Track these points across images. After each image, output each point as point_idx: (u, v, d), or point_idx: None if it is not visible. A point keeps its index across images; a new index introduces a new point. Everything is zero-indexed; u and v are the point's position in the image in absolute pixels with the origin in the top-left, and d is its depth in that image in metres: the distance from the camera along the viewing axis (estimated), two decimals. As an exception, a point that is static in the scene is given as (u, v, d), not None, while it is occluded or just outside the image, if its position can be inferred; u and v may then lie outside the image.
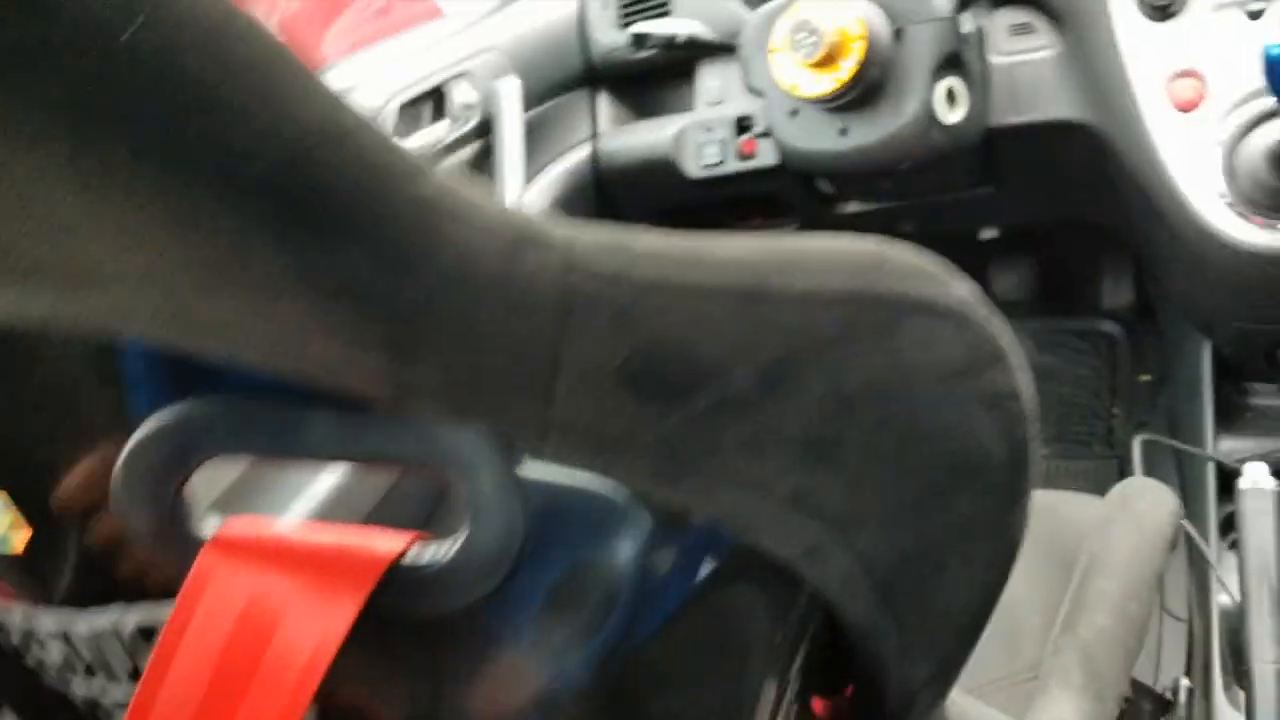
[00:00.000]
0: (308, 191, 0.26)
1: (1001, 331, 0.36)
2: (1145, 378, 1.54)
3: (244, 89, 0.25)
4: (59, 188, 0.26)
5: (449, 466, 0.32)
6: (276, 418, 0.33)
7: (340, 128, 0.27)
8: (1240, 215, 0.96)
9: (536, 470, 0.32)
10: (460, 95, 1.11)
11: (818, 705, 0.46)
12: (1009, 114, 1.09)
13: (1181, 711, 0.99)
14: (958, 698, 0.51)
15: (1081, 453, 1.53)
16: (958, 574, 0.40)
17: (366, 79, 1.08)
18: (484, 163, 1.13)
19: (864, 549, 0.35)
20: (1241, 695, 0.89)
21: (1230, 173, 0.96)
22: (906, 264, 0.34)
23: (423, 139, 1.06)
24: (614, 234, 0.31)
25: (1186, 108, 0.98)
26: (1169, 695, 1.01)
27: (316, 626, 0.32)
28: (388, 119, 1.02)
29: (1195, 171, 0.98)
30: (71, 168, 0.25)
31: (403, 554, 0.33)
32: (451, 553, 0.33)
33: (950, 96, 1.05)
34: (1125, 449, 1.45)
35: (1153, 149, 1.00)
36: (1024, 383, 0.37)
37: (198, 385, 0.34)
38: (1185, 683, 1.02)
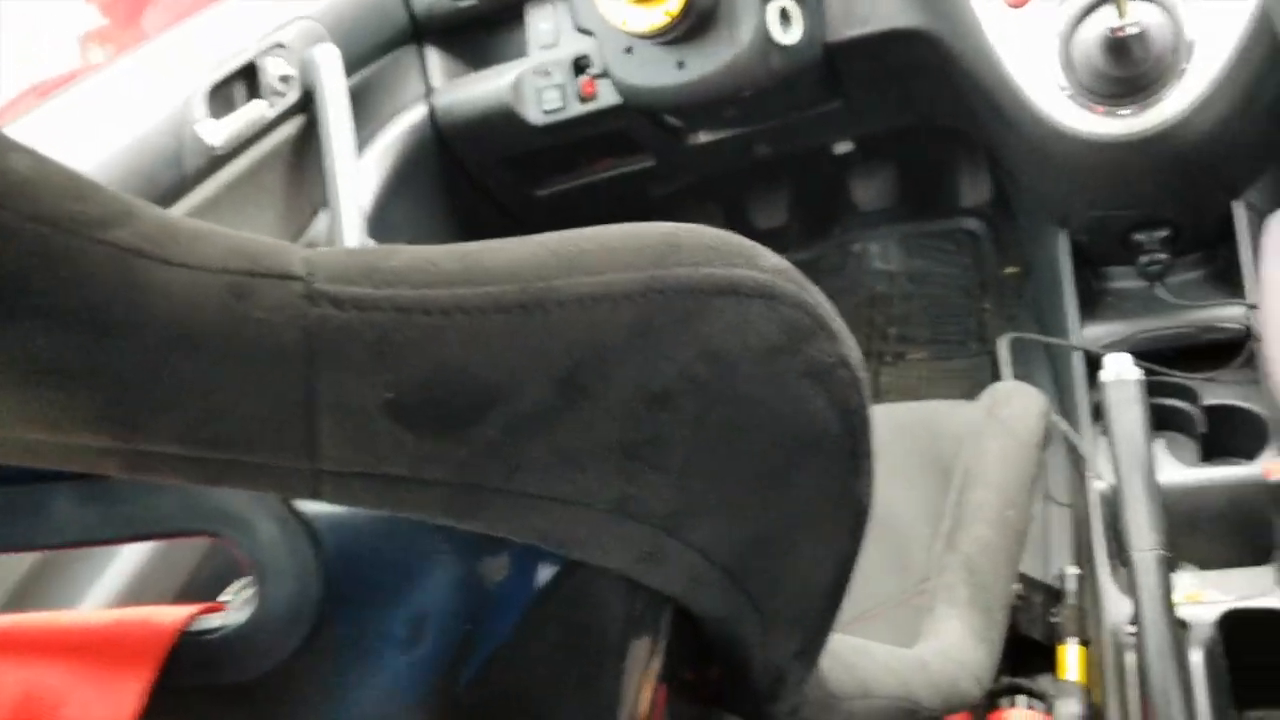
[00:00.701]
0: None
1: (817, 299, 0.34)
2: (1011, 270, 1.56)
3: None
4: None
5: (221, 528, 0.29)
6: (10, 504, 0.30)
7: (6, 181, 0.22)
8: (1081, 106, 0.97)
9: (329, 508, 0.29)
10: (274, 69, 1.04)
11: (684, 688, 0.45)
12: (845, 28, 1.07)
13: (1071, 599, 1.02)
14: (839, 641, 0.50)
15: (956, 351, 1.55)
16: (809, 550, 0.38)
17: (174, 61, 1.00)
18: (309, 137, 1.07)
19: (704, 543, 0.34)
20: (1126, 575, 0.92)
21: (1067, 64, 0.96)
22: (701, 246, 0.31)
23: (239, 120, 0.99)
24: (363, 253, 0.27)
25: (1018, 3, 0.98)
26: (1058, 584, 1.04)
27: (103, 710, 0.30)
28: (196, 103, 0.95)
29: (1032, 66, 0.98)
30: None
31: (187, 625, 0.31)
32: (243, 617, 0.30)
33: (784, 17, 1.02)
34: (996, 346, 1.48)
35: (989, 48, 1.00)
36: (849, 348, 0.35)
37: None
38: (1072, 570, 1.05)
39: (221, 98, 0.99)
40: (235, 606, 0.31)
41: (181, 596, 0.77)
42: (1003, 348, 1.17)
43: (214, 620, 0.31)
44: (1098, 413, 1.04)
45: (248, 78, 1.02)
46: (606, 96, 1.14)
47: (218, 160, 0.96)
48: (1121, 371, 0.91)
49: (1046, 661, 0.99)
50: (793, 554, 0.37)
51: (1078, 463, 1.10)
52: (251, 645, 0.30)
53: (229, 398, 0.25)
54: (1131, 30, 0.88)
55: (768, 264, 0.32)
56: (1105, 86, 0.95)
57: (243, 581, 0.31)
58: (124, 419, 0.25)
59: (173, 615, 0.31)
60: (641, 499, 0.31)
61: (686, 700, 0.43)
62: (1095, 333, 1.13)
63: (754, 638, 0.38)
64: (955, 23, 1.02)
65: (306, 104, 1.07)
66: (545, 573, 0.34)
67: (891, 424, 0.84)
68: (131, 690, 0.29)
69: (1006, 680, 0.96)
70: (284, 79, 1.04)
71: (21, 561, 0.71)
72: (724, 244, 0.31)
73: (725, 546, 0.34)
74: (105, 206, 0.24)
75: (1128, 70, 0.93)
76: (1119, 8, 0.87)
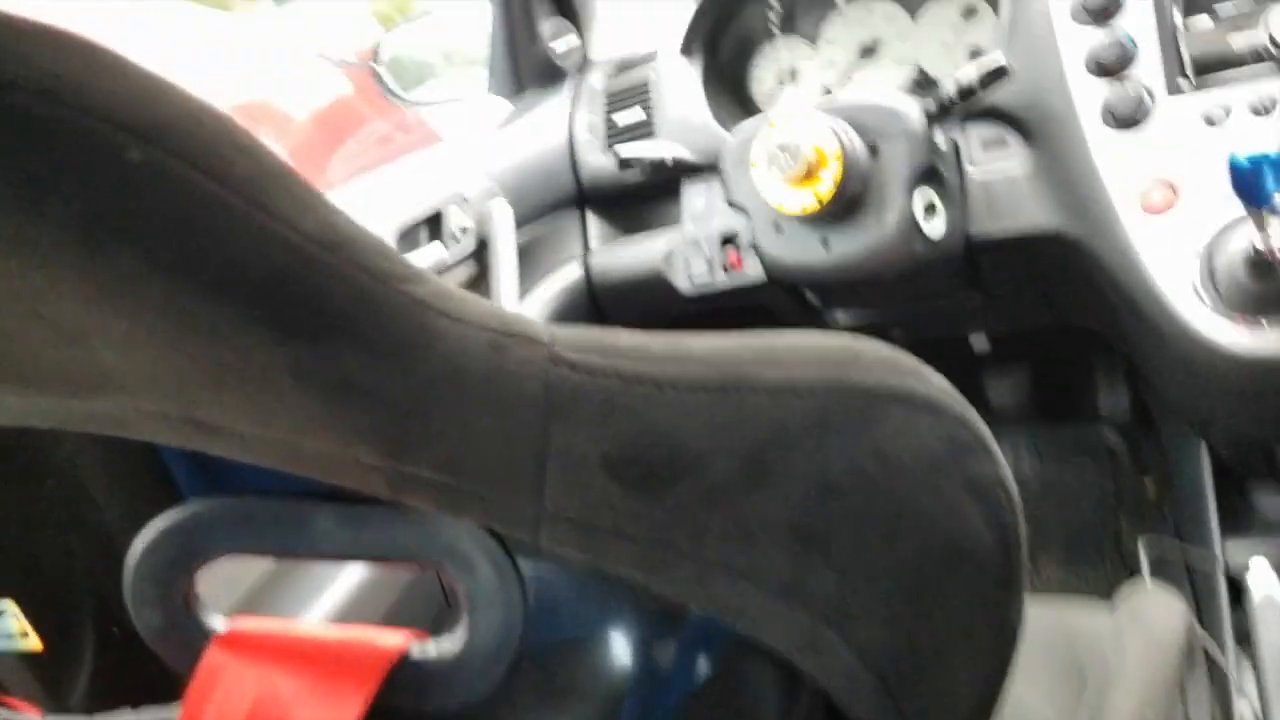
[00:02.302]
0: (307, 295, 0.28)
1: (978, 422, 0.36)
2: (1149, 483, 1.52)
3: (245, 200, 0.27)
4: (69, 298, 0.27)
5: (447, 562, 0.33)
6: (278, 517, 0.34)
7: (338, 235, 0.28)
8: (1224, 319, 0.96)
9: (532, 565, 0.33)
10: (455, 219, 1.14)
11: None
12: (987, 224, 1.11)
13: None
14: None
15: (1091, 562, 1.50)
16: (959, 663, 0.39)
17: (366, 205, 1.11)
18: (479, 283, 1.15)
19: (863, 640, 0.35)
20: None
21: (1209, 276, 0.97)
22: (878, 357, 0.35)
23: (421, 260, 1.08)
24: (593, 331, 0.32)
25: (1158, 210, 1.00)
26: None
27: None
28: (388, 241, 1.05)
29: (1174, 275, 0.99)
30: (81, 280, 0.26)
31: (406, 651, 0.34)
32: (454, 649, 0.33)
33: (929, 208, 1.07)
34: (1135, 559, 1.43)
35: (1131, 255, 1.01)
36: (1005, 472, 0.37)
37: (221, 479, 0.35)
38: None
39: (408, 239, 1.09)
40: (446, 638, 0.34)
41: (387, 620, 0.82)
42: (1142, 549, 1.14)
43: (428, 648, 0.34)
44: (1240, 632, 1.00)
45: (432, 224, 1.12)
46: (751, 271, 1.20)
47: None
48: (1271, 592, 0.87)
49: None
50: (943, 669, 0.39)
51: (1220, 682, 1.05)
52: (460, 675, 0.34)
53: (480, 433, 0.30)
54: (1277, 249, 0.89)
55: (936, 382, 0.35)
56: (1247, 301, 0.95)
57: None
58: (397, 438, 0.29)
59: (393, 638, 0.34)
60: (807, 585, 0.34)
61: None
62: (1237, 549, 1.09)
63: None
64: (1096, 226, 1.04)
65: (479, 252, 1.16)
66: (707, 663, 0.36)
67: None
68: (352, 706, 0.33)
69: None
70: (463, 229, 1.14)
71: (259, 568, 0.76)
72: (899, 358, 0.35)
73: (880, 650, 0.36)
74: (405, 267, 0.30)
75: (1271, 287, 0.93)
76: (1259, 224, 0.88)
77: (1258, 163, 0.81)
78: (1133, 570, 1.42)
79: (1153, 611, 0.81)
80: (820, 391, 0.33)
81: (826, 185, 1.02)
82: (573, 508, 0.31)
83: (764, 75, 1.39)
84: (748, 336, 0.34)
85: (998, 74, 1.01)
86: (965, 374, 1.63)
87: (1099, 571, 1.49)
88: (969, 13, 1.26)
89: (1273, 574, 0.91)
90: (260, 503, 0.34)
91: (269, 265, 0.27)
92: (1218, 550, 1.10)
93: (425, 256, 1.09)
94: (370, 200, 1.11)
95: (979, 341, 1.48)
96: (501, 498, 0.30)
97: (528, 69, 1.42)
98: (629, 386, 0.31)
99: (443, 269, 1.10)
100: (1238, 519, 1.13)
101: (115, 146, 0.25)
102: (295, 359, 0.28)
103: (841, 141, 1.02)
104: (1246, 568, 1.03)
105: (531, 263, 1.26)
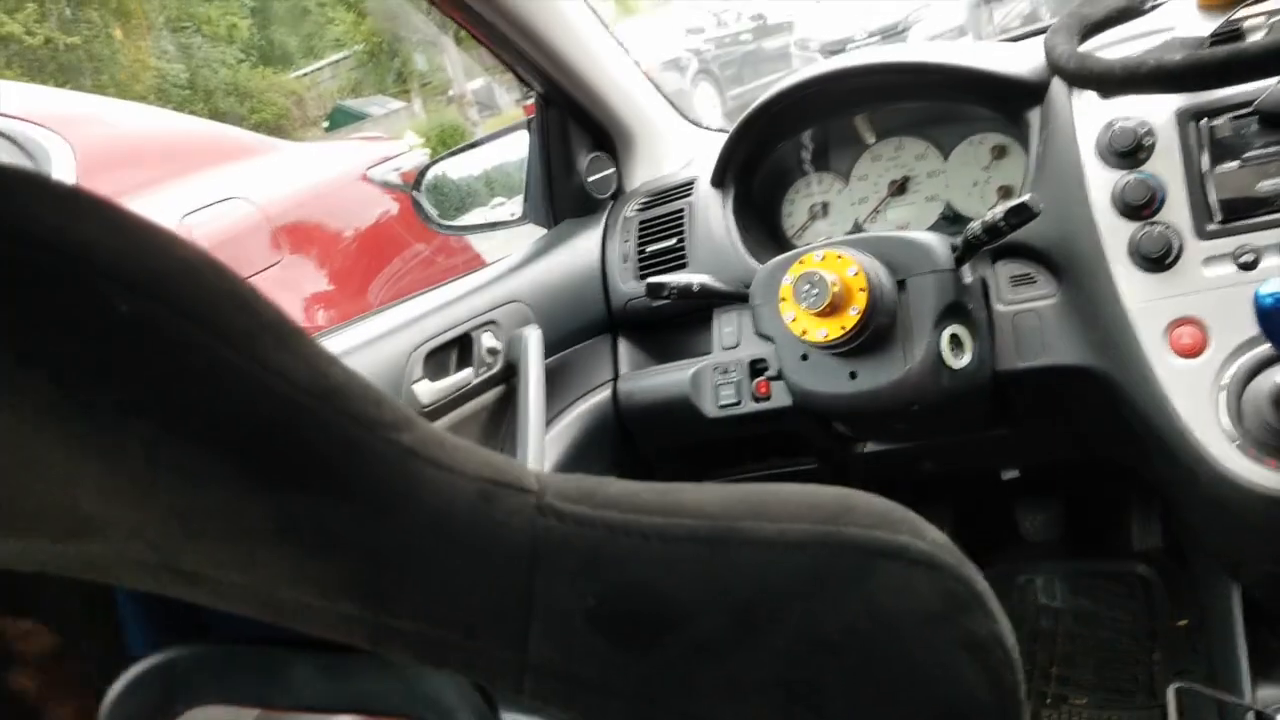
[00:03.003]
0: (293, 446, 0.28)
1: (976, 577, 0.36)
2: (1183, 622, 1.48)
3: (237, 351, 0.27)
4: (52, 444, 0.27)
5: (430, 715, 0.32)
6: (257, 666, 0.34)
7: (328, 384, 0.29)
8: (1253, 459, 0.96)
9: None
10: (486, 342, 1.17)
11: None
12: (1015, 359, 1.11)
13: None
14: None
15: (1123, 701, 1.46)
16: None
17: (398, 328, 1.14)
18: (507, 406, 1.17)
19: None
20: None
21: (1238, 417, 0.96)
22: (872, 511, 0.34)
23: (448, 383, 1.10)
24: (584, 479, 0.32)
25: (1189, 353, 1.00)
26: None
27: None
28: (415, 365, 1.07)
29: (1203, 416, 0.98)
30: (63, 426, 0.27)
31: None
32: None
33: (955, 342, 1.08)
34: (1166, 697, 1.38)
35: (1160, 395, 1.01)
36: (1004, 629, 0.36)
37: (191, 628, 0.34)
38: None
39: (436, 362, 1.11)
40: None
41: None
42: (1171, 697, 1.11)
43: None
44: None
45: (462, 347, 1.14)
46: (779, 398, 1.21)
47: (424, 416, 1.06)
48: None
49: None
50: None
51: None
52: None
53: (465, 583, 0.30)
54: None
55: (931, 536, 0.35)
56: (1277, 441, 0.95)
57: None
58: (381, 589, 0.29)
59: None
60: None
61: None
62: (1269, 694, 1.06)
63: None
64: (1126, 366, 1.04)
65: (508, 376, 1.18)
66: None
67: None
68: None
69: None
70: (491, 351, 1.16)
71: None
72: (893, 512, 0.35)
73: None
74: (394, 413, 0.30)
75: (1301, 427, 0.92)
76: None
77: None
78: (1163, 707, 1.38)
79: None
80: (812, 546, 0.32)
81: (852, 318, 1.04)
82: (557, 660, 0.30)
83: (796, 209, 1.42)
84: (740, 488, 0.34)
85: (1024, 213, 1.03)
86: (998, 505, 1.62)
87: (1131, 712, 1.45)
88: (1000, 152, 1.28)
89: None
90: (238, 651, 0.34)
91: (257, 416, 0.27)
92: (1248, 694, 1.07)
93: (453, 381, 1.10)
94: (402, 323, 1.14)
95: (1008, 472, 1.47)
96: (484, 650, 0.30)
97: (564, 199, 1.46)
98: (615, 537, 0.31)
99: (468, 391, 1.12)
100: (1271, 663, 1.10)
101: (105, 297, 0.26)
102: (278, 510, 0.28)
103: (868, 275, 1.04)
104: (1277, 712, 1.00)
105: (562, 387, 1.28)
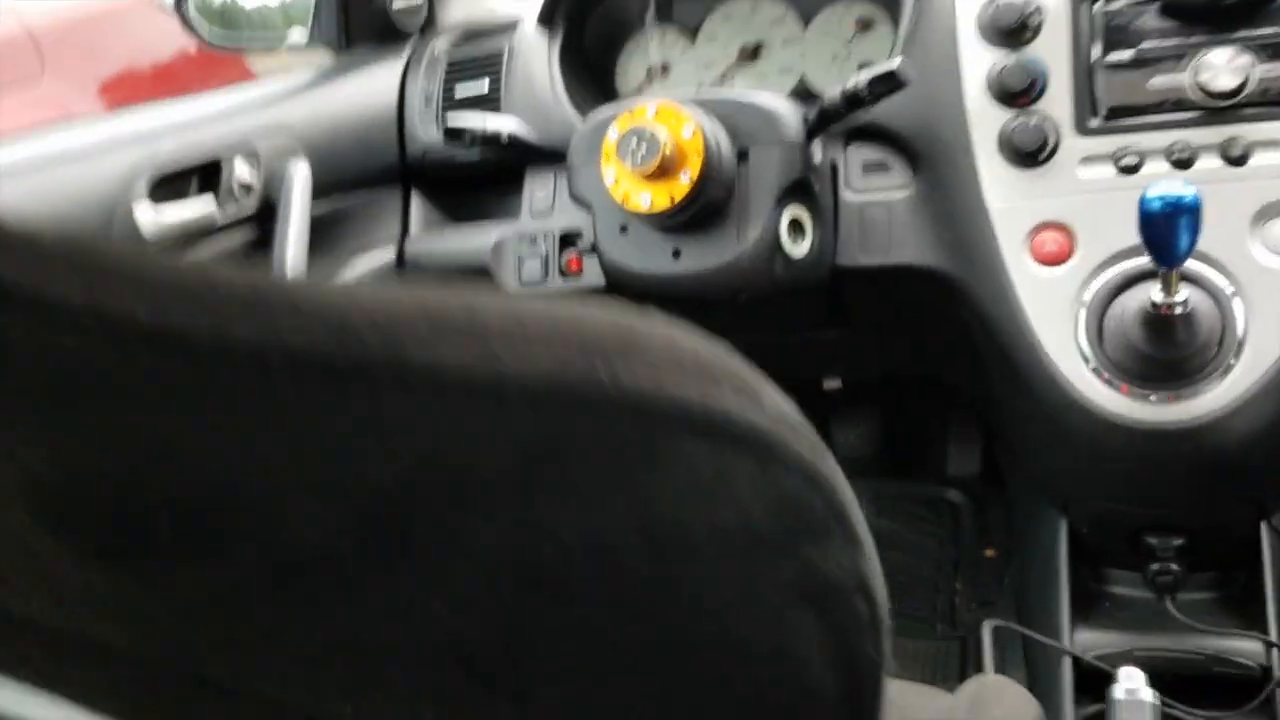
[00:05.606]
0: None
1: (839, 480, 0.22)
2: (990, 553, 1.44)
3: None
4: None
5: None
6: None
7: None
8: (1107, 383, 0.88)
9: None
10: (239, 172, 0.95)
11: None
12: (858, 254, 1.00)
13: None
14: None
15: (920, 630, 1.41)
16: None
17: (127, 139, 0.90)
18: (258, 252, 0.96)
19: None
20: None
21: (1097, 337, 0.88)
22: (675, 352, 0.19)
23: (181, 212, 0.89)
24: None
25: (1051, 261, 0.90)
26: None
27: None
28: (139, 184, 0.85)
29: (1059, 332, 0.90)
30: None
31: None
32: None
33: (795, 227, 0.95)
34: (967, 629, 1.34)
35: (1014, 306, 0.92)
36: (874, 569, 0.23)
37: None
38: None
39: (170, 186, 0.89)
40: None
41: None
42: (987, 636, 1.04)
43: None
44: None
45: (207, 174, 0.93)
46: (591, 276, 1.06)
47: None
48: (1136, 690, 0.78)
49: None
50: None
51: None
52: None
53: None
54: (1179, 309, 0.80)
55: (773, 406, 0.19)
56: (1136, 366, 0.86)
57: None
58: None
59: None
60: None
61: None
62: (1088, 639, 1.00)
63: None
64: (980, 270, 0.94)
65: (264, 218, 0.97)
66: None
67: None
68: None
69: None
70: (245, 186, 0.95)
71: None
72: (710, 360, 0.19)
73: None
74: None
75: (1166, 352, 0.84)
76: (1167, 283, 0.79)
77: (1172, 204, 0.70)
78: (963, 638, 1.34)
79: (1003, 708, 0.71)
80: (552, 403, 0.17)
81: (683, 185, 0.88)
82: None
83: (632, 66, 1.25)
84: (455, 293, 0.17)
85: (891, 81, 0.90)
86: (814, 416, 1.53)
87: (928, 641, 1.40)
88: (865, 26, 1.15)
89: (1139, 673, 0.82)
90: None
91: None
92: (1066, 638, 1.01)
93: (191, 209, 0.89)
94: (129, 135, 0.90)
95: (830, 380, 1.38)
96: None
97: (361, 23, 1.25)
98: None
99: (211, 227, 0.90)
100: (1090, 607, 1.05)
101: None
102: None
103: (706, 138, 0.89)
104: (1095, 659, 0.95)
105: (333, 238, 1.08)
